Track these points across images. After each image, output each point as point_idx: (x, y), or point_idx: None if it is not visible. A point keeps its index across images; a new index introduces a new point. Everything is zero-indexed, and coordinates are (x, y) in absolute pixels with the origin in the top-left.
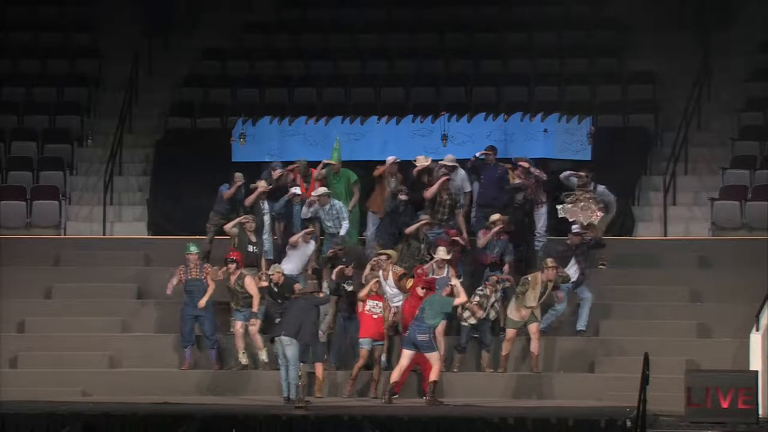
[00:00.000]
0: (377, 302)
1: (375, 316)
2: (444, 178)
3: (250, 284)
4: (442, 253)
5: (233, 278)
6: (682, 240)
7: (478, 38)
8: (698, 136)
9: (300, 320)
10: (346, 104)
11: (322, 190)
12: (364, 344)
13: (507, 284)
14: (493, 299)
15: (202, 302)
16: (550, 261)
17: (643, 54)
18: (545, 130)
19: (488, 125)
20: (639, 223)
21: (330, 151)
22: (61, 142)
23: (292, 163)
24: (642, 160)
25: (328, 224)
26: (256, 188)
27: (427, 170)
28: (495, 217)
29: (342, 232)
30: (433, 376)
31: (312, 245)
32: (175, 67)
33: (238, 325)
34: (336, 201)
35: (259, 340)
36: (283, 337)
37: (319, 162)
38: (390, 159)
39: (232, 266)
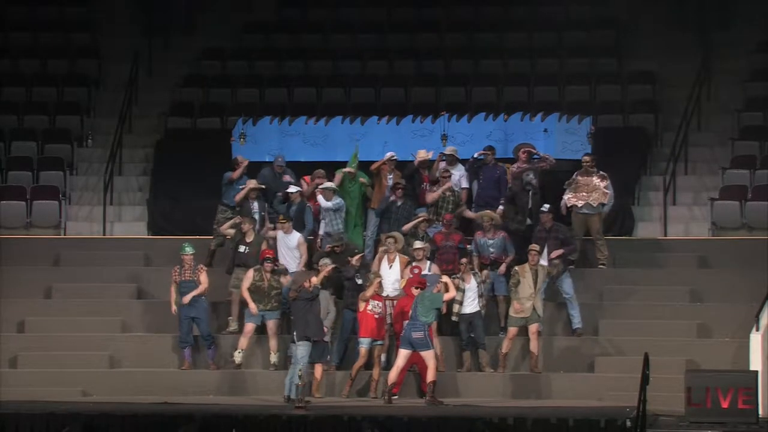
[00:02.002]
0: (379, 302)
1: (376, 316)
2: (448, 184)
3: (286, 282)
4: (418, 243)
5: (268, 276)
6: (682, 240)
7: (478, 38)
8: (698, 136)
9: (305, 319)
10: (346, 104)
11: (329, 184)
12: (364, 343)
13: (484, 274)
14: (474, 287)
15: (187, 298)
16: (533, 246)
17: (643, 54)
18: (545, 130)
19: (488, 125)
20: (639, 223)
21: (332, 152)
22: (61, 142)
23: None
24: (642, 160)
25: (327, 221)
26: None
27: (428, 163)
28: (484, 213)
29: (331, 229)
30: (430, 376)
31: (294, 236)
32: (175, 67)
33: (250, 327)
34: (338, 198)
35: (275, 343)
36: (296, 340)
37: (322, 162)
38: (388, 155)
39: (269, 265)
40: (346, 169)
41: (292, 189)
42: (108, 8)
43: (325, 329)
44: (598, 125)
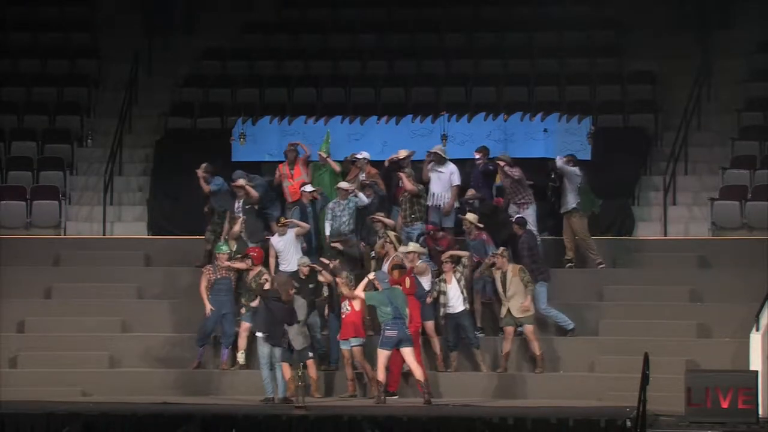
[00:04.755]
0: (344, 302)
1: (343, 317)
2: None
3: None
4: (411, 246)
5: (251, 274)
6: (682, 240)
7: (478, 38)
8: (698, 136)
9: (273, 323)
10: (346, 104)
11: (343, 184)
12: (341, 345)
13: (466, 262)
14: (455, 286)
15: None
16: (500, 251)
17: (643, 54)
18: (545, 130)
19: (488, 125)
20: (639, 223)
21: (332, 152)
22: (61, 142)
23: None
24: (642, 160)
25: (344, 220)
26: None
27: (397, 166)
28: (463, 218)
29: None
30: (419, 374)
31: (290, 233)
32: (175, 67)
33: (244, 326)
34: (353, 197)
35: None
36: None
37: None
38: (360, 155)
39: (248, 262)
40: (319, 152)
41: (308, 188)
42: (108, 8)
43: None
44: (598, 125)
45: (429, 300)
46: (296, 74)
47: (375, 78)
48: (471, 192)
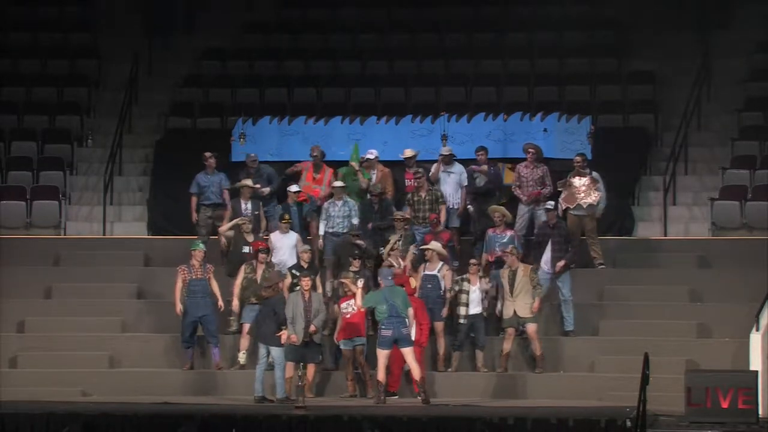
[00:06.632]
0: (349, 302)
1: (347, 316)
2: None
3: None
4: (434, 245)
5: (261, 269)
6: (682, 240)
7: (478, 38)
8: (698, 136)
9: (266, 323)
10: (346, 104)
11: (339, 183)
12: (341, 345)
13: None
14: (478, 288)
15: (220, 303)
16: (510, 248)
17: (643, 54)
18: (545, 130)
19: (488, 125)
20: (639, 223)
21: (332, 152)
22: (61, 142)
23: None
24: (642, 160)
25: (338, 221)
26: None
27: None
28: (496, 208)
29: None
30: (417, 373)
31: (293, 236)
32: (175, 67)
33: (247, 327)
34: (349, 199)
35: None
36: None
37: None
38: (367, 155)
39: (263, 256)
40: (351, 163)
41: (294, 188)
42: (108, 8)
43: (313, 328)
44: (598, 125)
45: (449, 296)
46: (296, 74)
47: (375, 78)
48: (482, 167)
